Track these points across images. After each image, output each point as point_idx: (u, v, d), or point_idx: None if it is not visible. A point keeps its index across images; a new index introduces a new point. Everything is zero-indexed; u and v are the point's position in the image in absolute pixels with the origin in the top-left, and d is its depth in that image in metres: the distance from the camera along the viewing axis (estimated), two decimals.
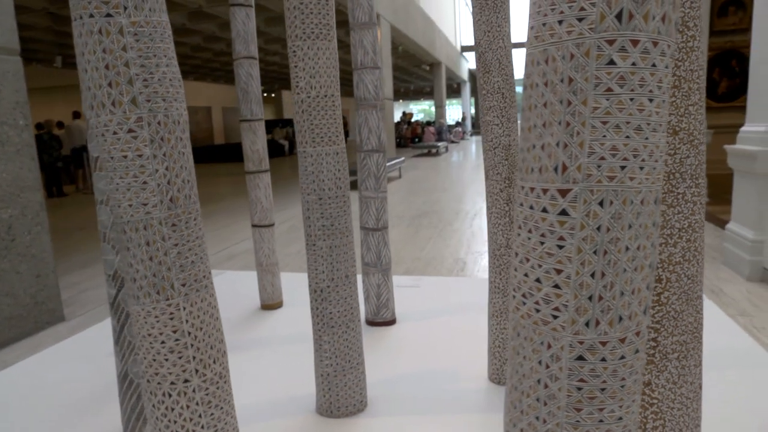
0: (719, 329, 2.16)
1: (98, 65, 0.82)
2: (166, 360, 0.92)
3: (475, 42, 1.66)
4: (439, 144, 15.51)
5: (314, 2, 1.41)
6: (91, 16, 0.81)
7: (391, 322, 2.38)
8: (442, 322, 2.40)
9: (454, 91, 30.65)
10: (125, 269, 0.91)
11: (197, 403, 0.95)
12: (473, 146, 20.16)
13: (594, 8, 0.55)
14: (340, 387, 1.62)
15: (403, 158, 10.43)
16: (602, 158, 0.57)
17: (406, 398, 1.75)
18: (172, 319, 0.91)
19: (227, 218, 6.63)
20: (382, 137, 2.23)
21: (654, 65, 0.56)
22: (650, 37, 0.55)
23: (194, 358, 0.93)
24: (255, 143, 2.48)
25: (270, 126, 21.13)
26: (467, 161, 14.17)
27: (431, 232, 5.19)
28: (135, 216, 0.87)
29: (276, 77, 21.99)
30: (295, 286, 2.97)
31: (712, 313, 2.34)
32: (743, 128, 3.52)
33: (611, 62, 0.55)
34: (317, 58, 1.44)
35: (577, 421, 0.62)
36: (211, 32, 10.37)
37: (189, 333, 0.92)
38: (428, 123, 22.84)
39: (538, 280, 0.62)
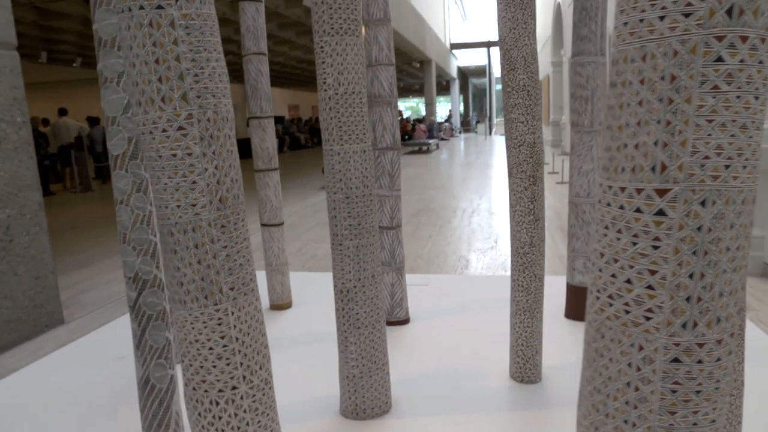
0: None
1: (148, 59, 0.78)
2: (214, 367, 0.88)
3: (500, 39, 1.64)
4: (430, 141, 15.51)
5: None
6: (141, 8, 0.77)
7: (405, 321, 2.35)
8: (455, 320, 2.38)
9: (443, 88, 30.70)
10: (171, 273, 0.87)
11: (245, 411, 0.91)
12: (462, 143, 20.20)
13: (703, 4, 0.53)
14: (366, 389, 1.59)
15: None
16: (706, 157, 0.55)
17: (429, 398, 1.73)
18: (220, 324, 0.87)
19: None
20: (396, 135, 2.20)
21: (761, 62, 0.54)
22: (759, 34, 0.54)
23: (242, 364, 0.90)
24: (264, 141, 2.44)
25: None
26: (458, 158, 14.19)
27: (430, 230, 5.17)
28: (183, 217, 0.83)
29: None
30: (302, 285, 2.93)
31: None
32: None
33: (719, 59, 0.53)
34: (345, 54, 1.41)
35: (671, 424, 0.60)
36: (227, 36, 10.24)
37: (237, 339, 0.89)
38: (418, 120, 22.84)
39: (629, 281, 0.60)
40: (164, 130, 0.80)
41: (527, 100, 1.63)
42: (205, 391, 0.90)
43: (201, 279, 0.85)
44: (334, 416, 1.64)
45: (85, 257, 4.72)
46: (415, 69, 21.06)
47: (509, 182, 1.73)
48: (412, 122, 21.50)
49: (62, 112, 9.85)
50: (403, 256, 2.31)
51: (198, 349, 0.88)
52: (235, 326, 0.89)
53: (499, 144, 19.40)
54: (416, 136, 18.36)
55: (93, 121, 10.74)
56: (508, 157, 1.71)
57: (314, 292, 2.80)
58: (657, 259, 0.58)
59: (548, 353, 1.97)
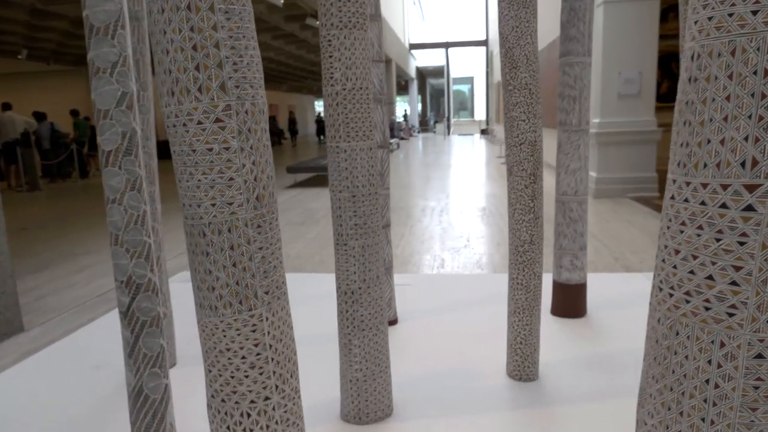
0: None
1: (184, 45, 0.72)
2: (246, 377, 0.83)
3: (502, 37, 1.64)
4: (392, 140, 15.56)
5: None
6: None
7: (394, 321, 2.32)
8: (443, 319, 2.37)
9: (402, 88, 30.83)
10: (201, 277, 0.81)
11: (276, 422, 0.86)
12: (420, 143, 20.34)
13: None
14: (369, 392, 1.55)
15: None
16: None
17: (429, 400, 1.70)
18: (254, 331, 0.82)
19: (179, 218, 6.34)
20: (386, 133, 2.17)
21: None
22: None
23: (274, 373, 0.85)
24: None
25: None
26: (418, 157, 14.28)
27: (402, 229, 5.16)
28: (219, 217, 0.77)
29: None
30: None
31: None
32: None
33: None
34: (353, 48, 1.37)
35: (752, 421, 0.60)
36: None
37: (270, 346, 0.84)
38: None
39: (710, 278, 0.60)
40: (200, 123, 0.74)
41: (528, 98, 1.63)
42: (236, 402, 0.84)
43: (236, 283, 0.79)
44: (336, 421, 1.60)
45: (39, 261, 4.45)
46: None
47: (509, 180, 1.73)
48: None
49: (6, 106, 9.28)
50: (391, 255, 2.28)
51: (229, 359, 0.82)
52: (269, 332, 0.83)
53: (457, 144, 19.64)
54: None
55: (40, 116, 10.18)
56: (508, 155, 1.70)
57: (295, 295, 2.73)
58: (743, 255, 0.57)
59: (541, 350, 1.98)
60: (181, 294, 2.60)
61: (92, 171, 11.88)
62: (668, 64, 8.41)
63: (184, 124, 0.75)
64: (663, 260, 0.65)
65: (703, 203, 0.60)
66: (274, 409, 0.86)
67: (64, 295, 3.50)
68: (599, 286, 2.65)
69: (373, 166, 1.46)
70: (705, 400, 0.62)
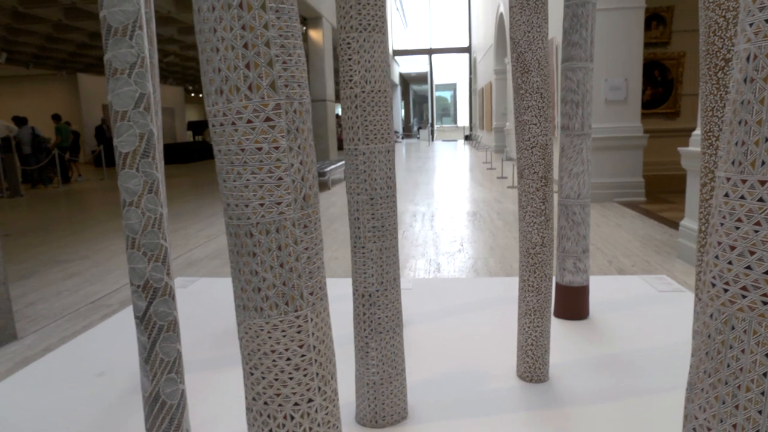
0: None
1: (235, 43, 0.72)
2: (291, 379, 0.82)
3: (513, 42, 1.65)
4: None
5: None
6: None
7: None
8: (447, 323, 2.37)
9: None
10: (246, 278, 0.80)
11: (319, 424, 0.85)
12: (404, 149, 20.42)
13: None
14: (386, 395, 1.55)
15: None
16: None
17: (442, 402, 1.70)
18: (299, 332, 0.81)
19: (174, 222, 6.26)
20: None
21: None
22: None
23: (317, 374, 0.84)
24: None
25: (200, 127, 20.22)
26: (404, 163, 14.32)
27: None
28: (267, 216, 0.77)
29: None
30: None
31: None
32: (695, 132, 3.79)
33: None
34: (373, 51, 1.37)
35: None
36: (169, 35, 9.81)
37: (314, 347, 0.83)
38: None
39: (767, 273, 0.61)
40: (249, 121, 0.74)
41: (540, 102, 1.65)
42: (279, 405, 0.83)
43: (282, 284, 0.79)
44: (352, 424, 1.59)
45: (25, 267, 4.35)
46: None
47: (519, 184, 1.74)
48: None
49: None
50: None
51: (274, 361, 0.81)
52: (313, 334, 0.83)
53: (441, 150, 19.76)
54: None
55: (20, 121, 9.98)
56: (519, 159, 1.72)
57: None
58: None
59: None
60: (180, 298, 2.56)
61: (74, 177, 11.67)
62: (651, 72, 8.59)
63: (233, 123, 0.74)
64: (716, 257, 0.67)
65: (761, 200, 0.61)
66: (316, 411, 0.85)
67: (53, 302, 3.43)
68: (597, 289, 2.68)
69: (391, 168, 1.46)
70: (762, 393, 0.63)
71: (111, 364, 2.05)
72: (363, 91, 1.39)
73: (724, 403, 0.67)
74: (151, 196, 1.33)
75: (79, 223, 6.42)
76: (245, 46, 0.72)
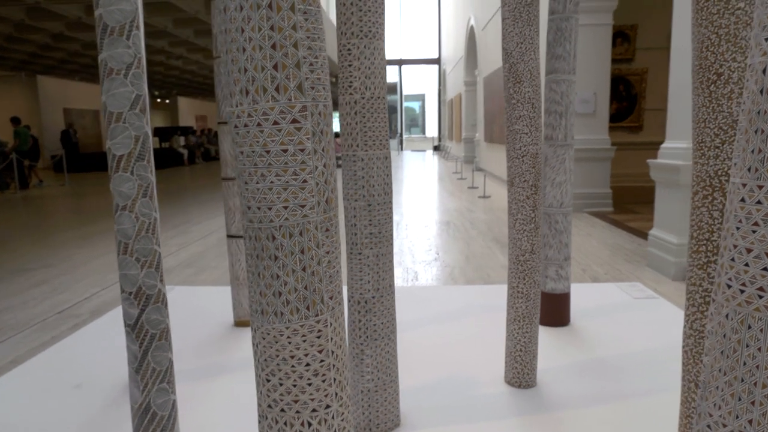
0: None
1: (263, 44, 0.71)
2: (309, 385, 0.81)
3: (506, 53, 1.69)
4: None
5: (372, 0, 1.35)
6: None
7: None
8: (431, 330, 2.38)
9: None
10: (266, 282, 0.79)
11: (335, 431, 0.84)
12: None
13: None
14: (380, 402, 1.54)
15: None
16: None
17: (434, 409, 1.71)
18: (319, 337, 0.80)
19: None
20: None
21: None
22: None
23: (335, 380, 0.83)
24: None
25: (167, 133, 19.80)
26: None
27: None
28: (291, 219, 0.76)
29: (174, 83, 20.75)
30: None
31: (672, 311, 2.57)
32: (664, 145, 3.94)
33: None
34: (373, 57, 1.38)
35: None
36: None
37: (333, 352, 0.82)
38: (336, 135, 22.87)
39: None
40: (276, 123, 0.73)
41: (531, 112, 1.68)
42: (297, 411, 0.82)
43: (304, 288, 0.78)
44: None
45: None
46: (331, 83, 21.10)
47: (509, 192, 1.77)
48: None
49: None
50: None
51: (293, 366, 0.80)
52: (332, 339, 0.82)
53: (411, 160, 19.90)
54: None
55: None
56: (510, 167, 1.75)
57: None
58: None
59: None
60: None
61: (33, 182, 11.24)
62: (616, 87, 8.90)
63: (259, 124, 0.73)
64: (732, 259, 0.70)
65: None
66: (333, 417, 0.84)
67: (19, 312, 3.28)
68: (576, 296, 2.74)
69: (388, 175, 1.46)
70: None
71: (88, 375, 1.97)
72: (363, 98, 1.39)
73: (740, 399, 0.69)
74: (146, 200, 1.29)
75: (42, 231, 6.18)
76: (273, 46, 0.72)
